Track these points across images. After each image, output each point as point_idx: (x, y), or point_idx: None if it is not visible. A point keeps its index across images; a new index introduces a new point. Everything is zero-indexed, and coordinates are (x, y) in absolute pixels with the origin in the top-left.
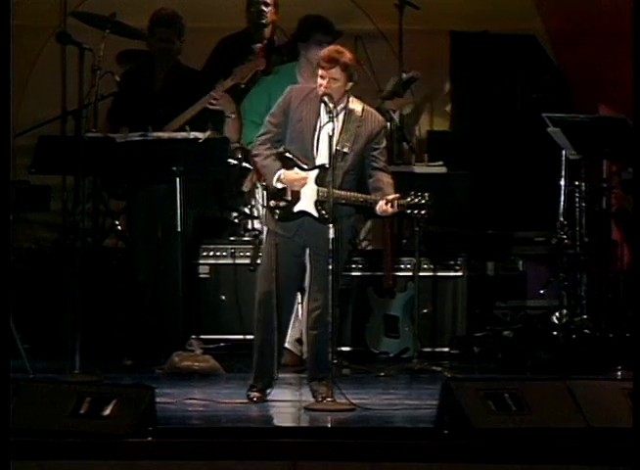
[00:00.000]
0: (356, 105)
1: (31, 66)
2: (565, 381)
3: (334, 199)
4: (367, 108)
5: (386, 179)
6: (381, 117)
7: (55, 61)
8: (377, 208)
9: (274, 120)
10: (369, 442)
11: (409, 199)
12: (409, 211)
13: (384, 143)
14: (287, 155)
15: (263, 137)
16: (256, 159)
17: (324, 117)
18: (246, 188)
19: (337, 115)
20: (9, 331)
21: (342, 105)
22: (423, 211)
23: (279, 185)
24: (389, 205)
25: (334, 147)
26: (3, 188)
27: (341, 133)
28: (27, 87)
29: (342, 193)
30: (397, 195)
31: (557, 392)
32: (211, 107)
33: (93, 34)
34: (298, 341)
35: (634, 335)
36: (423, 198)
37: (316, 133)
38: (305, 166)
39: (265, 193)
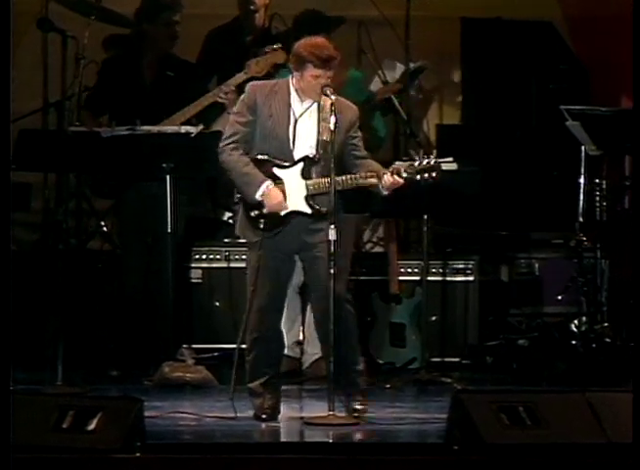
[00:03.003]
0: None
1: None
2: (584, 393)
3: (328, 188)
4: (339, 98)
5: (374, 163)
6: (354, 106)
7: (36, 49)
8: (383, 183)
9: (242, 119)
10: (373, 458)
11: (417, 163)
12: (419, 177)
13: (359, 132)
14: (261, 157)
15: (233, 139)
16: (232, 166)
17: (297, 109)
18: None
19: (310, 106)
20: (9, 339)
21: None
22: (434, 174)
23: (260, 199)
24: (396, 175)
25: (327, 138)
26: (3, 187)
27: (319, 123)
28: None
29: (337, 178)
30: (397, 165)
31: (575, 405)
32: (220, 100)
33: (77, 21)
34: (298, 343)
35: (635, 343)
36: (430, 159)
37: (291, 127)
38: (286, 164)
39: (242, 203)
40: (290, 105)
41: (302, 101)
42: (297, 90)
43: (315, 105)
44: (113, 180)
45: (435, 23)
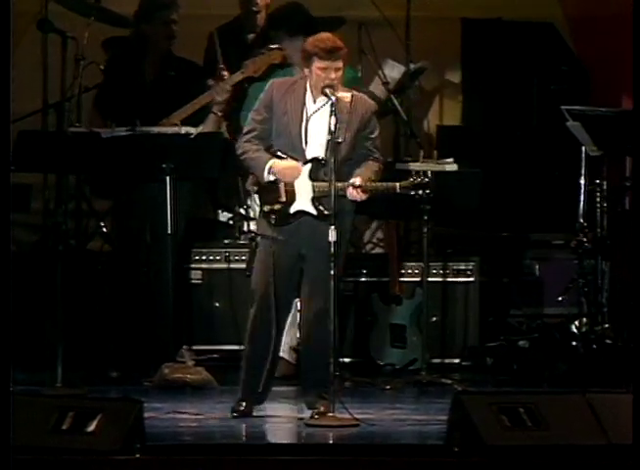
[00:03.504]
0: (344, 92)
1: (10, 54)
2: (584, 395)
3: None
4: (356, 94)
5: (370, 167)
6: (371, 102)
7: (35, 50)
8: (348, 195)
9: (258, 117)
10: (374, 459)
11: (411, 179)
12: (413, 193)
13: (377, 131)
14: (279, 154)
15: (249, 135)
16: (245, 155)
17: (310, 107)
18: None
19: (324, 105)
20: (9, 340)
21: None
22: (427, 191)
23: (271, 177)
24: (357, 190)
25: (331, 139)
26: (3, 188)
27: (329, 123)
28: None
29: (339, 184)
30: (360, 180)
31: (576, 406)
32: (217, 98)
33: (77, 22)
34: (294, 349)
35: (635, 344)
36: (425, 176)
37: (303, 125)
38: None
39: (258, 197)
40: (304, 103)
41: (316, 99)
42: (311, 88)
43: (329, 104)
44: (112, 181)
45: (436, 24)
